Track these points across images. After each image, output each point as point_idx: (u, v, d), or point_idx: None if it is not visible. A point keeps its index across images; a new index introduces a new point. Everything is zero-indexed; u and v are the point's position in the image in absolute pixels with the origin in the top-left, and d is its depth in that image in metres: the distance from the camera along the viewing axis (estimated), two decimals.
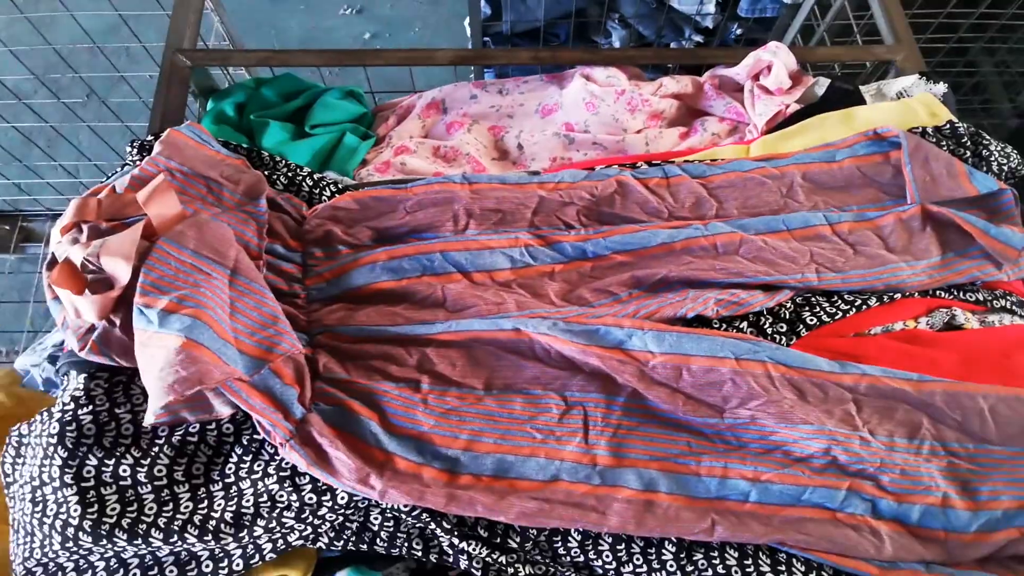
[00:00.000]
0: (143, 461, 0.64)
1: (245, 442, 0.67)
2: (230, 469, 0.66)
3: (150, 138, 0.80)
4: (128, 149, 0.80)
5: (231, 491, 0.65)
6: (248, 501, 0.64)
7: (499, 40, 1.87)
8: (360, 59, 0.96)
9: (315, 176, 0.83)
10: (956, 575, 0.62)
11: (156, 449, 0.64)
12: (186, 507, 0.63)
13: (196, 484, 0.65)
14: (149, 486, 0.63)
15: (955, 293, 0.78)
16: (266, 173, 0.81)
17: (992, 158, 0.85)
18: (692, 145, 1.01)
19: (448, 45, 0.99)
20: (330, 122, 0.97)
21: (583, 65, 1.05)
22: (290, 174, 0.82)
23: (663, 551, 0.64)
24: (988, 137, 0.87)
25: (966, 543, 0.62)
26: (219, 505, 0.64)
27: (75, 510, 0.60)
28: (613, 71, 1.05)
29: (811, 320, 0.74)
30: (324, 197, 0.81)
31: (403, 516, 0.65)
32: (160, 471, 0.64)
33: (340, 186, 0.83)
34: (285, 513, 0.64)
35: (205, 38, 1.10)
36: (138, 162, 0.78)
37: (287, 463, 0.65)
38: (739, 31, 1.88)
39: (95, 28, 1.41)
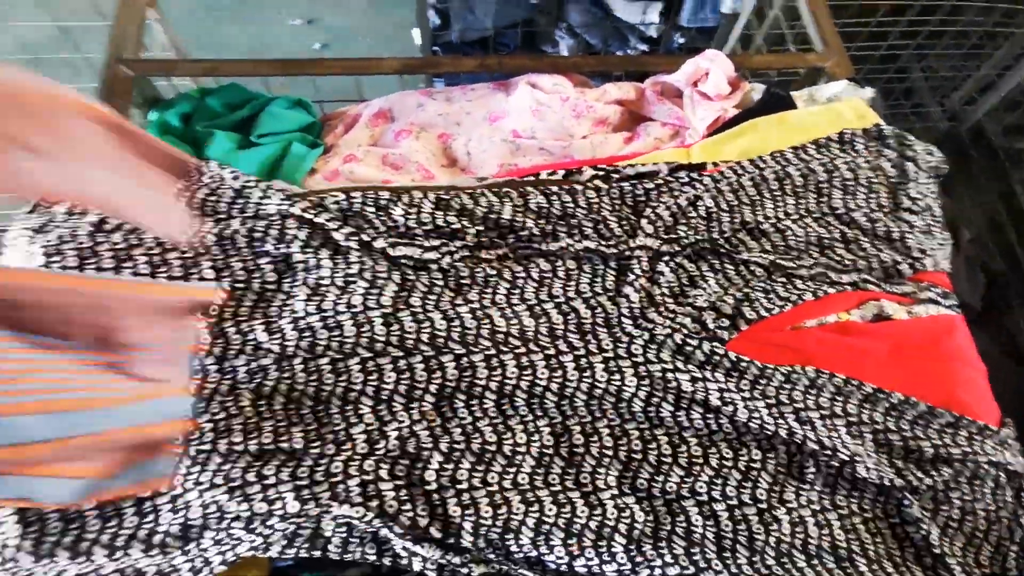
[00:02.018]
0: None
1: (192, 452, 0.66)
2: (176, 480, 0.65)
3: None
4: None
5: (177, 503, 0.64)
6: (195, 513, 0.63)
7: (448, 50, 1.88)
8: (307, 68, 0.96)
9: (263, 185, 0.82)
10: None
11: None
12: (131, 522, 0.62)
13: (141, 497, 0.64)
14: None
15: (883, 287, 0.82)
16: (214, 186, 0.80)
17: (917, 157, 0.90)
18: (636, 149, 1.04)
19: (397, 55, 0.99)
20: (277, 131, 0.96)
21: (529, 72, 1.07)
22: (238, 185, 0.81)
23: (613, 544, 0.66)
24: (911, 138, 0.92)
25: None
26: (165, 518, 0.63)
27: (15, 530, 0.58)
28: (559, 79, 1.07)
29: (751, 315, 0.77)
30: (271, 206, 0.81)
31: (355, 522, 0.65)
32: None
33: (288, 194, 0.83)
34: (234, 524, 0.63)
35: (148, 48, 1.08)
36: None
37: (235, 473, 0.65)
38: (682, 40, 1.94)
39: (35, 40, 1.38)
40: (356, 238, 0.78)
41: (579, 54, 1.90)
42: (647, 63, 1.09)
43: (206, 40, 2.44)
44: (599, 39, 1.90)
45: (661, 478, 0.69)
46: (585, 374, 0.72)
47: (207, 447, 0.66)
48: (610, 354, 0.73)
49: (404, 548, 0.65)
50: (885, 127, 0.93)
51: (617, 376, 0.72)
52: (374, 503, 0.64)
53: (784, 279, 0.80)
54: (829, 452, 0.68)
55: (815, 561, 0.66)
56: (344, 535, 0.66)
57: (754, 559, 0.65)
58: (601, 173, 0.93)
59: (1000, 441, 0.75)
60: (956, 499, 0.69)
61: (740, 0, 1.61)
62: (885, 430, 0.72)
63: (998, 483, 0.74)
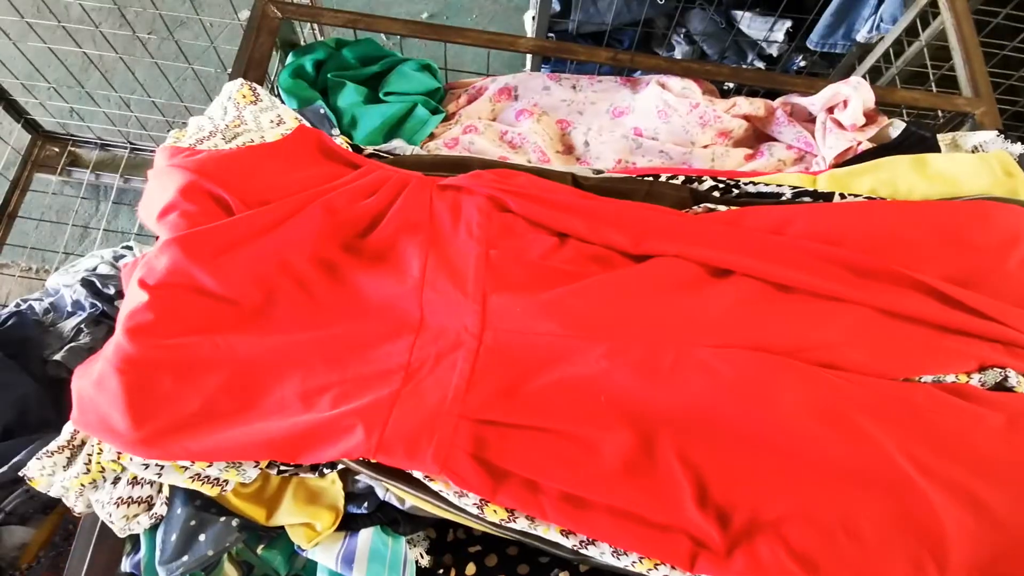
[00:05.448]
0: None
1: None
2: None
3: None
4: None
5: None
6: None
7: (561, 38, 1.87)
8: (443, 35, 0.96)
9: None
10: None
11: None
12: None
13: None
14: None
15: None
16: None
17: None
18: (756, 168, 1.01)
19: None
20: (404, 92, 0.97)
21: (659, 73, 1.05)
22: None
23: None
24: None
25: None
26: None
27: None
28: (688, 83, 1.04)
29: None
30: None
31: None
32: None
33: (409, 153, 0.83)
34: None
35: None
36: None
37: None
38: (803, 64, 1.88)
39: None
40: None
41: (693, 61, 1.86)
42: (784, 82, 1.05)
43: None
44: (716, 50, 1.86)
45: None
46: None
47: None
48: None
49: None
50: None
51: None
52: None
53: None
54: None
55: None
56: None
57: None
58: (721, 185, 0.90)
59: None
60: None
61: (877, 30, 1.54)
62: None
63: None
